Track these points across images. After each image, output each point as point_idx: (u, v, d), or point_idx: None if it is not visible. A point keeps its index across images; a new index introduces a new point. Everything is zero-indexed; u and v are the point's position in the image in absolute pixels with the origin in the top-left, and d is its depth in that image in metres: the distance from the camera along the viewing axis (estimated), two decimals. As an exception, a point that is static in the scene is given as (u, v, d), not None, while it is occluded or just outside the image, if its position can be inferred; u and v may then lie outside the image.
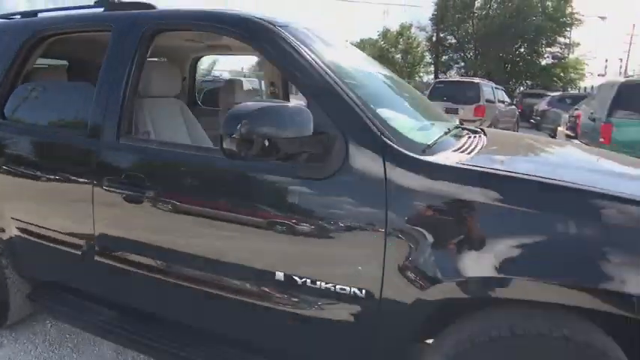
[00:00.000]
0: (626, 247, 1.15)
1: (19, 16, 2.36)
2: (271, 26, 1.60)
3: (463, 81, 12.88)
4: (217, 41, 2.61)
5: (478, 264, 1.22)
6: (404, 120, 1.67)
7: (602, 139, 5.66)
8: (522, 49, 26.25)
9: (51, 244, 1.94)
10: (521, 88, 25.48)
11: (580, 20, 24.91)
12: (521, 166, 1.57)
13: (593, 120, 6.24)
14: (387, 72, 2.24)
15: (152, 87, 2.12)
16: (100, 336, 2.01)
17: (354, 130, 1.37)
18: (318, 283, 1.39)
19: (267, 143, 1.31)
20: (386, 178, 1.31)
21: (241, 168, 1.48)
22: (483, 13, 27.82)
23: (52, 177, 1.95)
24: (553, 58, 26.29)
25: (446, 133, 1.74)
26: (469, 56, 28.28)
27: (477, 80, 11.75)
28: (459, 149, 1.56)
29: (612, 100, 5.99)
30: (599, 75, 30.80)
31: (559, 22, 24.61)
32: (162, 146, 1.79)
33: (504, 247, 1.21)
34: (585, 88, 22.15)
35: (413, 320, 1.32)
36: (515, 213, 1.22)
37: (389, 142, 1.35)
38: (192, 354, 1.66)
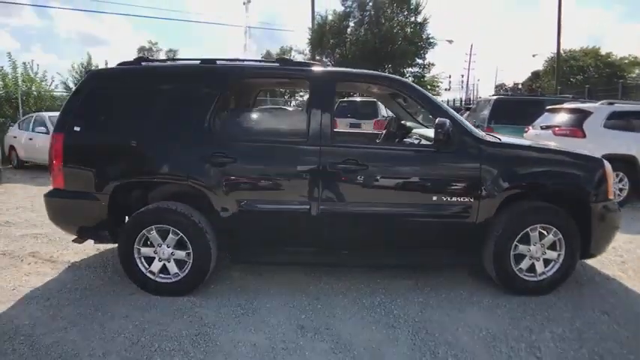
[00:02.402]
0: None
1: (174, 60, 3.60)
2: (402, 80, 3.10)
3: (363, 100, 15.24)
4: (370, 89, 4.50)
5: (517, 177, 3.11)
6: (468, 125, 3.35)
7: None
8: (388, 71, 30.60)
9: (276, 209, 3.20)
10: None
11: (433, 44, 30.18)
12: (514, 141, 3.62)
13: (478, 126, 8.79)
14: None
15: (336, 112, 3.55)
16: (293, 264, 3.61)
17: (463, 131, 3.09)
18: (454, 198, 3.13)
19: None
20: (479, 148, 3.09)
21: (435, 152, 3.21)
22: (354, 38, 31.67)
23: (282, 165, 3.21)
24: (414, 77, 31.25)
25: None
26: (346, 77, 31.54)
27: (373, 99, 14.20)
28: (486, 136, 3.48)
29: (490, 111, 8.60)
30: (445, 89, 37.41)
31: (417, 45, 29.45)
32: (359, 145, 3.62)
33: (525, 168, 3.17)
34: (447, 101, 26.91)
35: (494, 206, 3.10)
36: (511, 154, 3.22)
37: (471, 133, 3.18)
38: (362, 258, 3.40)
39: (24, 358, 2.50)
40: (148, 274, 3.23)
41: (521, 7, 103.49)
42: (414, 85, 3.50)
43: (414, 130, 4.22)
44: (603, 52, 39.02)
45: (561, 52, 42.32)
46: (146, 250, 3.21)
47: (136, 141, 3.22)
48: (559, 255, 3.28)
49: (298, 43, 33.79)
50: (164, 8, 44.12)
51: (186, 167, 3.19)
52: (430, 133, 3.74)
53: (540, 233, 3.25)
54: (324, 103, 3.23)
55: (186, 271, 3.19)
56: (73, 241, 3.65)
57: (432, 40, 29.75)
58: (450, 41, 32.48)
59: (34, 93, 14.61)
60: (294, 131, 3.34)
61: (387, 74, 3.81)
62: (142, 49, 52.39)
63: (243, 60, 3.94)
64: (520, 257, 3.27)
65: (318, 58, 31.73)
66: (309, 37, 31.02)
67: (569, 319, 2.97)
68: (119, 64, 3.51)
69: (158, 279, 3.23)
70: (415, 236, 3.32)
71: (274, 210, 3.21)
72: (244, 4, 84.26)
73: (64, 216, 3.46)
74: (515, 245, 3.23)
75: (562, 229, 3.22)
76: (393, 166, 3.29)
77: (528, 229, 3.22)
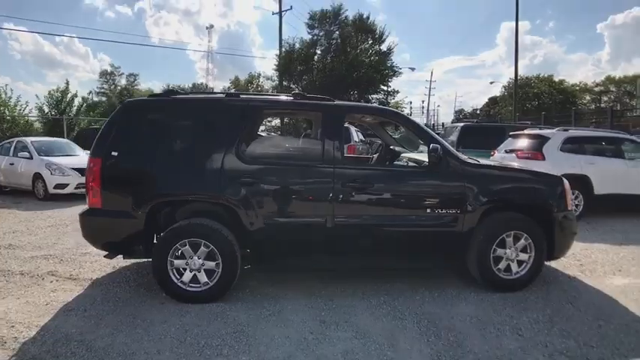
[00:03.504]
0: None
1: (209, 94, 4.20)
2: (402, 114, 3.73)
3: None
4: (363, 118, 5.09)
5: (493, 192, 3.82)
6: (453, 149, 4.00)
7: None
8: (354, 97, 31.84)
9: (297, 222, 3.72)
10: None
11: (398, 72, 31.86)
12: (490, 163, 4.21)
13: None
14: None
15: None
16: (310, 270, 4.18)
17: (450, 154, 3.76)
18: (444, 210, 3.75)
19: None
20: (463, 168, 3.87)
21: (428, 172, 3.84)
22: (321, 66, 32.88)
23: (302, 184, 3.77)
24: (380, 103, 32.78)
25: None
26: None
27: (347, 125, 15.03)
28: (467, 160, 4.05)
29: (458, 136, 9.50)
30: (407, 115, 39.42)
31: (382, 73, 31.01)
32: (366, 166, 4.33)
33: (500, 185, 3.96)
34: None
35: (476, 216, 3.74)
36: (489, 174, 3.97)
37: (457, 156, 3.91)
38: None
39: (85, 358, 2.81)
40: (180, 284, 3.60)
41: (479, 34, 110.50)
42: (409, 116, 4.16)
43: (403, 155, 4.86)
44: (556, 79, 42.25)
45: (519, 78, 45.66)
46: (179, 262, 3.59)
47: (172, 164, 3.65)
48: (530, 257, 3.94)
49: (260, 68, 34.40)
50: (123, 32, 44.12)
51: (219, 187, 3.64)
52: (418, 156, 4.42)
53: (515, 239, 3.91)
54: (335, 131, 3.81)
55: (216, 279, 3.60)
56: (105, 257, 3.96)
57: (396, 69, 31.48)
58: (413, 69, 34.79)
59: (8, 117, 14.38)
60: (311, 155, 3.89)
61: (387, 108, 4.45)
62: (104, 73, 51.90)
63: (261, 94, 4.50)
64: (498, 259, 3.91)
65: (285, 84, 32.83)
66: (277, 63, 31.97)
67: (541, 307, 3.60)
68: (150, 96, 3.97)
69: (189, 288, 3.61)
70: (413, 243, 3.90)
71: (295, 222, 3.71)
72: (207, 29, 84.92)
73: (100, 233, 3.79)
74: (494, 249, 3.87)
75: (531, 235, 3.90)
76: (394, 184, 3.89)
77: (504, 235, 3.88)
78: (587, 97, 45.94)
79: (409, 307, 3.61)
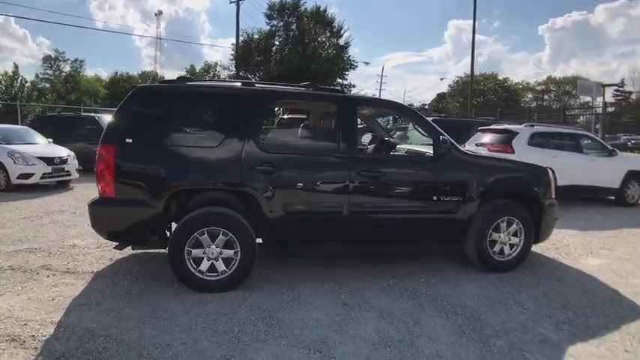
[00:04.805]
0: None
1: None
2: (409, 107, 3.94)
3: (299, 117, 16.36)
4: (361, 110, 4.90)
5: (491, 182, 4.20)
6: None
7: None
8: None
9: (314, 210, 3.80)
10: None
11: (354, 65, 32.37)
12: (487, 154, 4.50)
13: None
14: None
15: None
16: (327, 256, 4.29)
17: (455, 146, 4.09)
18: (448, 197, 4.02)
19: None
20: (463, 158, 4.18)
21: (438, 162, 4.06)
22: (279, 57, 32.67)
23: (319, 173, 3.85)
24: (338, 95, 33.07)
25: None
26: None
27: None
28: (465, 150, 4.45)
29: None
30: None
31: (339, 66, 31.38)
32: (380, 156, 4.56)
33: (497, 175, 4.29)
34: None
35: (476, 204, 4.08)
36: (487, 164, 4.33)
37: (456, 146, 4.16)
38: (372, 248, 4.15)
39: (120, 353, 2.71)
40: (197, 274, 3.58)
41: (427, 32, 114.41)
42: (416, 110, 4.36)
43: (399, 146, 5.09)
44: (500, 77, 44.78)
45: (464, 75, 47.78)
46: (196, 252, 3.57)
47: (191, 152, 3.60)
48: (520, 240, 4.32)
49: (209, 57, 33.67)
50: (65, 14, 41.18)
51: (240, 175, 3.65)
52: (417, 148, 4.64)
53: (507, 224, 4.26)
54: (350, 121, 3.93)
55: (234, 267, 3.62)
56: (114, 248, 3.84)
57: (353, 62, 31.99)
58: (367, 63, 35.25)
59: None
60: (327, 144, 4.01)
61: (395, 101, 4.60)
62: (47, 58, 48.18)
63: (274, 84, 4.51)
64: (493, 243, 4.25)
65: (242, 74, 32.28)
66: (233, 53, 31.38)
67: (535, 285, 3.99)
68: (162, 82, 3.86)
69: (206, 277, 3.60)
70: (423, 229, 4.13)
71: (313, 210, 3.80)
72: (156, 15, 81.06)
73: (113, 223, 3.66)
74: (491, 233, 4.20)
75: (522, 220, 4.28)
76: (404, 173, 4.10)
77: (499, 220, 4.22)
78: (530, 95, 49.29)
79: (419, 288, 3.84)
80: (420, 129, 4.38)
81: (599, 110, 15.23)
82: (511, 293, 3.78)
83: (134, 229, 3.65)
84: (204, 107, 3.83)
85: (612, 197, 8.44)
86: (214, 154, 3.64)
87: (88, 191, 8.81)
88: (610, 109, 19.16)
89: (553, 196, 4.54)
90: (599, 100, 17.33)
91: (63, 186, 9.56)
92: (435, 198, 4.05)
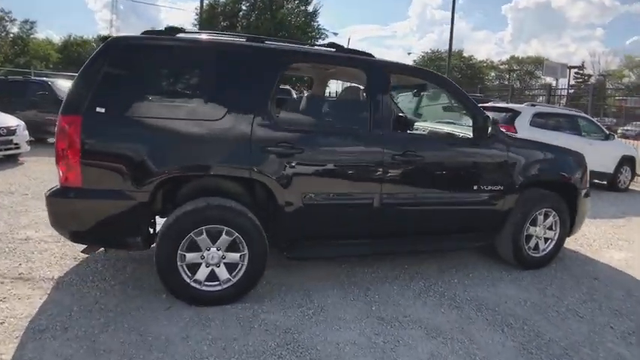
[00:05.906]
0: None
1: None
2: (448, 79, 3.30)
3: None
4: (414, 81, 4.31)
5: (536, 169, 3.70)
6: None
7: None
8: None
9: (338, 201, 3.09)
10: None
11: (324, 34, 31.20)
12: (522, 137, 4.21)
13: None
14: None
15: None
16: (351, 256, 3.65)
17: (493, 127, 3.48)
18: (489, 187, 3.46)
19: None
20: (505, 141, 3.57)
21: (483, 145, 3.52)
22: (245, 23, 30.93)
23: (348, 155, 3.16)
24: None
25: None
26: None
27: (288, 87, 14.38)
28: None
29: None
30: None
31: (309, 35, 30.14)
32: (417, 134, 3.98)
33: (536, 162, 3.73)
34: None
35: (516, 194, 3.53)
36: (530, 149, 3.69)
37: (501, 130, 3.62)
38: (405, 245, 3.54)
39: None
40: (193, 284, 2.84)
41: (392, 5, 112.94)
42: (454, 83, 3.70)
43: (417, 124, 4.45)
44: (465, 55, 44.98)
45: (429, 52, 47.59)
46: (192, 256, 2.81)
47: (184, 127, 2.76)
48: (555, 234, 3.87)
49: (167, 21, 31.50)
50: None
51: (249, 159, 2.85)
52: (444, 127, 4.01)
53: (545, 216, 3.79)
54: (383, 92, 3.23)
55: (240, 275, 2.90)
56: (82, 251, 3.00)
57: (322, 31, 30.83)
58: (336, 33, 34.18)
59: None
60: (357, 119, 3.30)
61: (434, 72, 4.04)
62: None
63: (289, 40, 3.69)
64: (529, 238, 3.77)
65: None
66: (197, 18, 29.34)
67: (575, 286, 3.58)
68: (145, 33, 2.93)
69: (204, 287, 2.86)
70: (458, 222, 3.57)
71: (338, 203, 3.11)
72: (111, -28, 74.70)
73: (80, 220, 2.78)
74: (528, 227, 3.71)
75: (559, 212, 3.81)
76: (444, 157, 3.45)
77: (537, 213, 3.73)
78: (493, 74, 50.05)
79: (455, 292, 3.31)
80: (459, 106, 3.74)
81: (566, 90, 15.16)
82: (556, 297, 3.33)
83: (108, 229, 2.80)
84: (202, 68, 2.94)
85: (604, 182, 8.30)
86: (215, 131, 2.82)
87: (41, 166, 7.62)
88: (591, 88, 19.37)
89: (587, 185, 4.10)
90: (562, 81, 17.50)
91: (11, 160, 8.21)
92: (475, 187, 3.47)
